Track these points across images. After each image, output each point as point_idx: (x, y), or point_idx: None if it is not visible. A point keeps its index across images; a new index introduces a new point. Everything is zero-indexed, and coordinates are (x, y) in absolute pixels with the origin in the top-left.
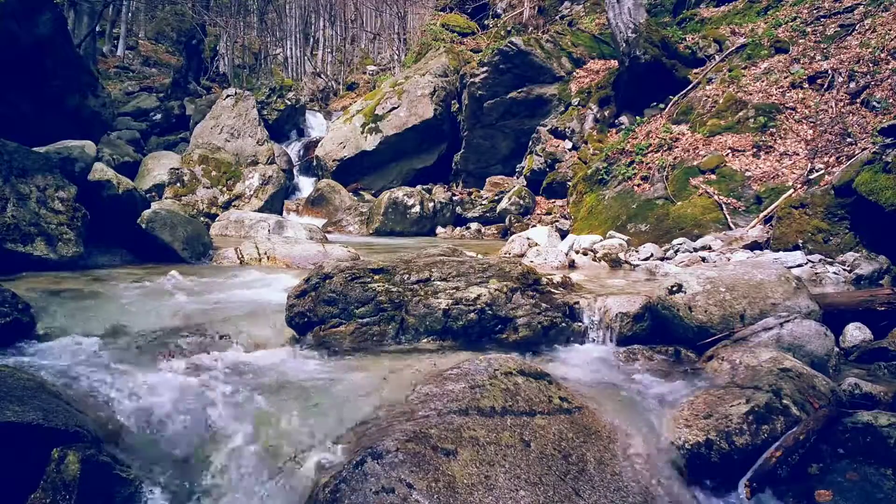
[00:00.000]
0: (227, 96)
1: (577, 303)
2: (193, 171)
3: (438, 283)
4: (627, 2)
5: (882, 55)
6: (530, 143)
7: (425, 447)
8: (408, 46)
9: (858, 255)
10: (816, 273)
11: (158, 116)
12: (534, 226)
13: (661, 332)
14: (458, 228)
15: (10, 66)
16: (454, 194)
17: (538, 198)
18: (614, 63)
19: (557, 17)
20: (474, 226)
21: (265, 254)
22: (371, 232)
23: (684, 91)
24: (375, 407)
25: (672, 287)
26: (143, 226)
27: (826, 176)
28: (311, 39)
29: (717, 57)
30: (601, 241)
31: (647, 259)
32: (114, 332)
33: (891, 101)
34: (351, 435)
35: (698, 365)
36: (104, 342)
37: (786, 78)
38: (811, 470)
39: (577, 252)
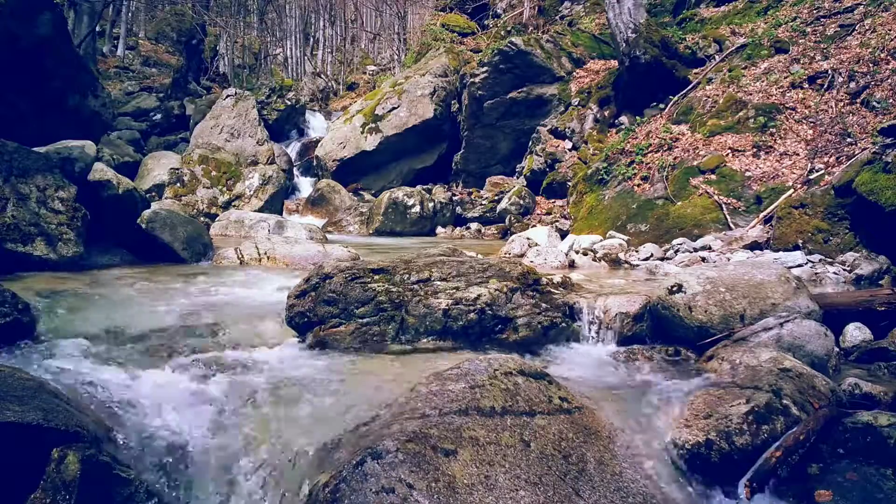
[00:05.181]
0: (227, 96)
1: (577, 303)
2: (193, 171)
3: (438, 283)
4: (627, 2)
5: (882, 55)
6: (530, 143)
7: (425, 447)
8: (408, 46)
9: (858, 255)
10: (816, 273)
11: (158, 116)
12: (534, 226)
13: (661, 332)
14: (458, 228)
15: (10, 66)
16: (454, 194)
17: (538, 198)
18: (614, 63)
19: (557, 17)
20: (474, 226)
21: (265, 254)
22: (371, 232)
23: (684, 91)
24: (375, 407)
25: (672, 287)
26: (143, 226)
27: (826, 176)
28: (311, 39)
29: (717, 57)
30: (601, 241)
31: (647, 259)
32: (114, 332)
33: (891, 101)
34: (351, 435)
35: (698, 365)
36: (104, 342)
37: (786, 78)
38: (811, 470)
39: (577, 252)
